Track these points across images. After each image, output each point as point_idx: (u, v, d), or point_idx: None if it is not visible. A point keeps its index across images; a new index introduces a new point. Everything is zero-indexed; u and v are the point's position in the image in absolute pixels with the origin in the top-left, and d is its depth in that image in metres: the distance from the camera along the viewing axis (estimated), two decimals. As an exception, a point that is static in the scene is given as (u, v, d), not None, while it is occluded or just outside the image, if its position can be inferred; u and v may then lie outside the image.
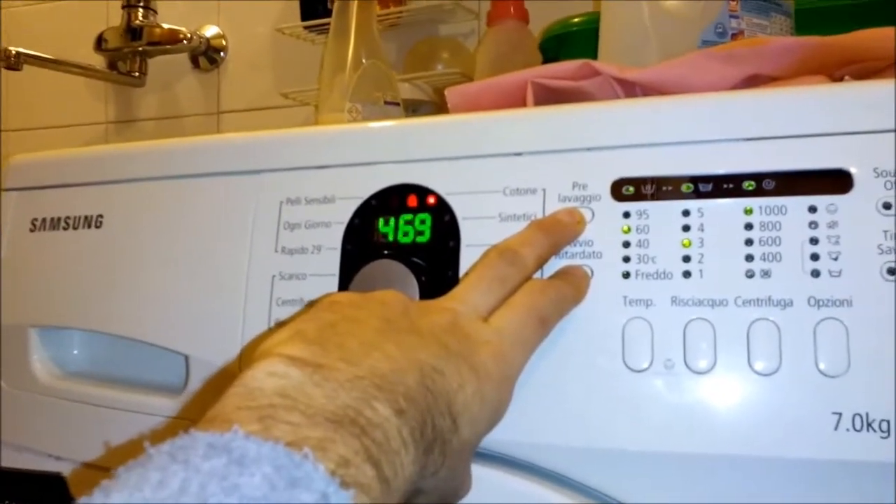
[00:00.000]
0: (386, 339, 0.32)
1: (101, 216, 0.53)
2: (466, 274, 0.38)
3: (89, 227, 0.53)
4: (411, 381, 0.30)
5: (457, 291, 0.37)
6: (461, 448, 0.33)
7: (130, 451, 0.25)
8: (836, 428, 0.34)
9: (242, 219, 0.47)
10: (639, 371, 0.37)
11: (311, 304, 0.38)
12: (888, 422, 0.33)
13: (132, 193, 0.52)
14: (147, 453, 0.24)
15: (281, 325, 0.35)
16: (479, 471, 0.38)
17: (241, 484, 0.22)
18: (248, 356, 0.45)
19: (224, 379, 0.45)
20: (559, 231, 0.39)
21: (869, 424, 0.34)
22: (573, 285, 0.38)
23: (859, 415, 0.34)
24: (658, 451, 0.36)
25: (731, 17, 0.61)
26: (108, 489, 0.22)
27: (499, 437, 0.38)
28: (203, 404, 0.46)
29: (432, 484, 0.32)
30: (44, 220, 0.55)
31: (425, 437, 0.30)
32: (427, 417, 0.30)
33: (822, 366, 0.34)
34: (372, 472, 0.26)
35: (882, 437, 0.33)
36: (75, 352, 0.56)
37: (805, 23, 0.65)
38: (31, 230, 0.55)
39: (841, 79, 0.47)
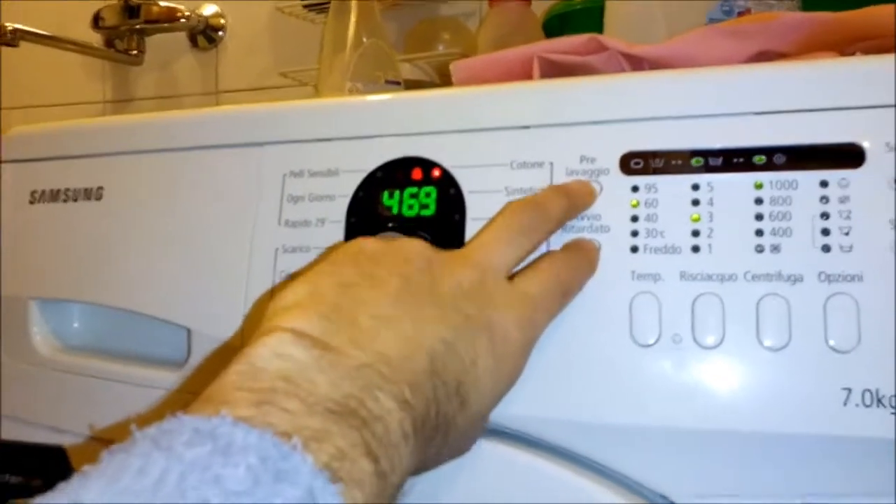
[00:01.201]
0: (402, 312, 0.31)
1: (101, 188, 0.52)
2: (489, 224, 0.38)
3: (89, 199, 0.52)
4: (420, 366, 0.30)
5: (482, 241, 0.36)
6: (467, 424, 0.32)
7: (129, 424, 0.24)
8: (845, 404, 0.34)
9: (245, 191, 0.47)
10: (646, 346, 0.37)
11: (335, 249, 0.36)
12: (898, 397, 0.33)
13: (133, 165, 0.52)
14: (132, 437, 0.23)
15: (298, 275, 0.33)
16: (483, 445, 0.38)
17: (223, 476, 0.21)
18: (258, 309, 0.44)
19: (229, 351, 0.45)
20: (576, 195, 0.38)
21: (879, 400, 0.33)
22: (587, 258, 0.38)
23: (869, 391, 0.34)
24: (664, 426, 0.36)
25: (738, -6, 0.61)
26: (87, 476, 0.22)
27: (505, 412, 0.37)
28: (207, 374, 0.45)
29: (434, 461, 0.32)
30: (43, 192, 0.55)
31: (427, 426, 0.30)
32: (431, 406, 0.30)
33: (831, 341, 0.34)
34: (369, 467, 0.25)
35: (892, 413, 0.33)
36: (76, 324, 0.55)
37: (812, 1, 0.64)
38: (31, 202, 0.55)
39: (852, 55, 0.46)
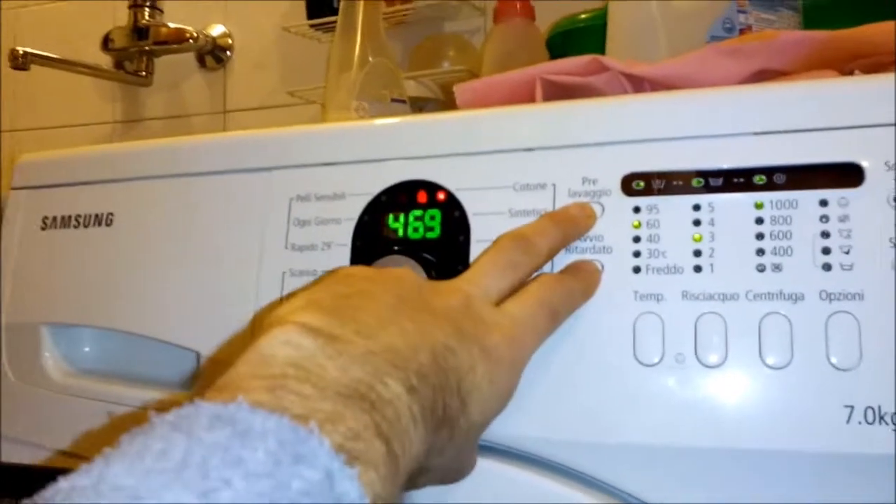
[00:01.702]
0: (400, 316, 0.31)
1: (111, 214, 0.53)
2: (478, 258, 0.38)
3: (99, 224, 0.53)
4: (424, 358, 0.30)
5: (469, 274, 0.37)
6: (468, 429, 0.33)
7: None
8: (847, 421, 0.34)
9: (253, 216, 0.47)
10: (650, 365, 0.37)
11: (326, 275, 0.37)
12: (901, 415, 0.33)
13: (142, 191, 0.52)
14: (150, 422, 0.24)
15: (293, 294, 0.34)
16: (489, 464, 0.38)
17: (244, 458, 0.22)
18: (259, 323, 0.45)
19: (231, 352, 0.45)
20: (571, 224, 0.39)
21: (881, 417, 0.34)
22: (584, 281, 0.38)
23: (871, 408, 0.34)
24: (669, 445, 0.36)
25: (739, 12, 0.61)
26: (108, 457, 0.22)
27: (509, 432, 0.38)
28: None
29: (437, 462, 0.32)
30: (54, 218, 0.55)
31: (435, 415, 0.30)
32: (438, 396, 0.30)
33: (833, 359, 0.34)
34: (382, 448, 0.26)
35: (894, 430, 0.33)
36: (86, 349, 0.56)
37: (812, 18, 0.65)
38: (42, 228, 0.56)
39: (850, 73, 0.47)
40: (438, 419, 0.30)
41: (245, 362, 0.27)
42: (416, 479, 0.32)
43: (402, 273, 0.35)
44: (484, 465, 0.37)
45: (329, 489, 0.22)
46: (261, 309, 0.45)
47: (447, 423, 0.31)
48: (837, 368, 0.34)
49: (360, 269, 0.36)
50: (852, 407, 0.34)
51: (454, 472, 0.36)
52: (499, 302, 0.36)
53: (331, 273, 0.36)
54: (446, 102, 1.04)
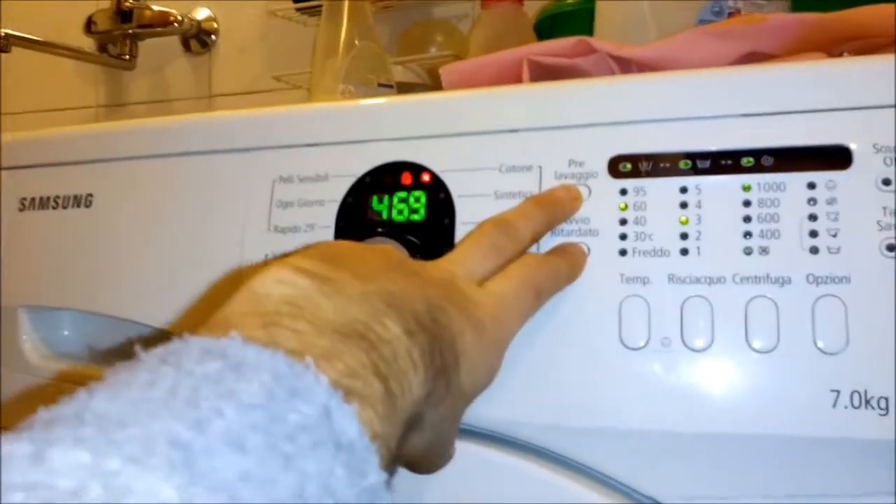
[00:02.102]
0: (392, 273, 0.31)
1: (90, 195, 0.52)
2: (461, 243, 0.38)
3: (79, 206, 0.52)
4: (420, 307, 0.30)
5: (453, 255, 0.36)
6: (459, 394, 0.32)
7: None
8: (834, 405, 0.34)
9: (235, 197, 0.47)
10: (635, 349, 0.37)
11: (309, 246, 0.37)
12: (886, 399, 0.33)
13: (123, 172, 0.52)
14: (137, 356, 0.23)
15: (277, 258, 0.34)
16: (471, 448, 0.38)
17: (237, 390, 0.21)
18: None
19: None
20: (556, 207, 0.39)
21: (867, 401, 0.33)
22: (568, 262, 0.38)
23: (857, 392, 0.34)
24: (654, 429, 0.36)
25: (728, -4, 0.61)
26: (92, 389, 0.21)
27: (492, 415, 0.37)
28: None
29: (433, 417, 0.31)
30: (32, 199, 0.54)
31: (434, 363, 0.29)
32: (435, 345, 0.29)
33: (820, 343, 0.34)
34: (380, 387, 0.25)
35: (880, 414, 0.33)
36: (65, 332, 0.55)
37: (801, 3, 0.64)
38: (21, 209, 0.55)
39: (840, 56, 0.46)
40: (437, 367, 0.29)
41: (238, 300, 0.27)
42: (410, 430, 0.31)
43: (386, 247, 0.35)
44: (469, 449, 0.37)
45: (327, 426, 0.22)
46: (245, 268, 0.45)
47: (444, 375, 0.30)
48: (824, 352, 0.34)
49: (345, 241, 0.35)
50: (838, 391, 0.34)
51: (443, 445, 0.35)
52: (481, 282, 0.36)
53: (313, 244, 0.35)
54: (434, 88, 1.03)
